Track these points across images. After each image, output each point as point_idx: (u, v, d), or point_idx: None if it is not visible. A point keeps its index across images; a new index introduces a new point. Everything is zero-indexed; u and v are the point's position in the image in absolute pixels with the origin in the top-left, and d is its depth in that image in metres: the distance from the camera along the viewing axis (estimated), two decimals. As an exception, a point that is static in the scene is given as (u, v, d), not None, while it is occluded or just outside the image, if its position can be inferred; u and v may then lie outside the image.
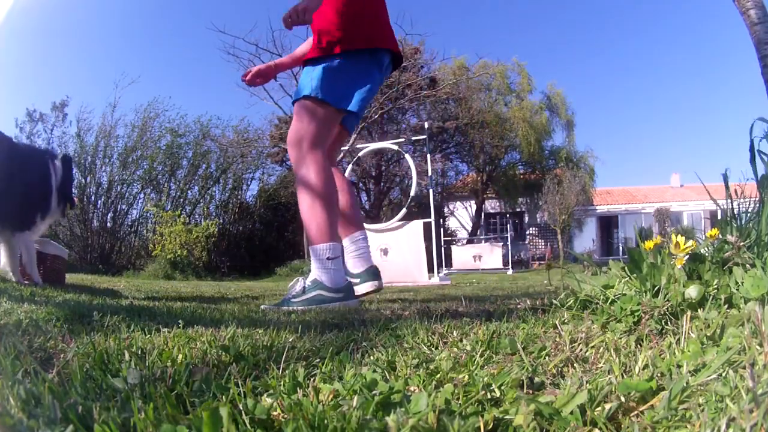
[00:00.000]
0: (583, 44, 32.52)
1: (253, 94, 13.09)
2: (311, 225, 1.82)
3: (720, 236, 1.20)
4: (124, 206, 12.24)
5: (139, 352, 0.78)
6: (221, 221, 13.16)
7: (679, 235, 1.00)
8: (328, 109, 1.85)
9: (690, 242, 1.00)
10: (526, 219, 21.49)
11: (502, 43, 31.78)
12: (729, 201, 1.32)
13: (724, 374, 0.59)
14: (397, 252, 5.42)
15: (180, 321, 1.10)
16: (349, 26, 1.85)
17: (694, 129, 35.33)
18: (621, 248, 19.46)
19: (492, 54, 26.04)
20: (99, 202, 11.87)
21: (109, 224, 11.77)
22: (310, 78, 1.85)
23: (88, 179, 11.83)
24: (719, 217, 1.36)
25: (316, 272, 1.82)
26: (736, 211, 1.32)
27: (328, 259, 1.80)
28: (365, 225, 6.19)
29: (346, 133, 2.13)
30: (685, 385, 0.52)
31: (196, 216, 13.21)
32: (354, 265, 2.07)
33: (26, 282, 2.24)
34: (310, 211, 1.82)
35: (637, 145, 38.61)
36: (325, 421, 0.45)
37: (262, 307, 1.83)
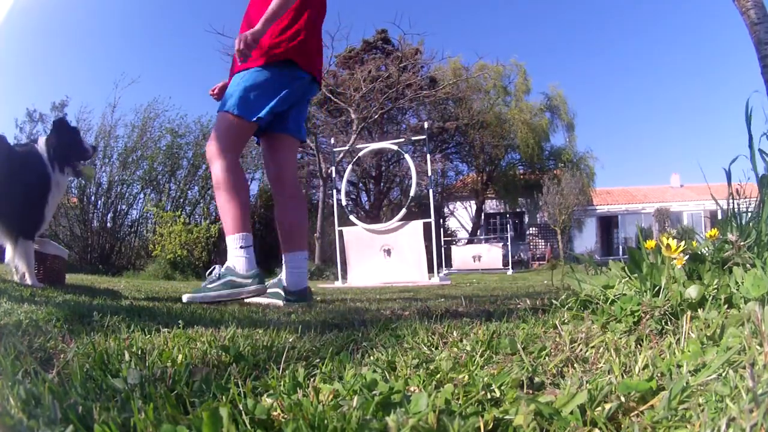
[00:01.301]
0: (583, 44, 32.50)
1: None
2: (226, 218, 2.00)
3: (720, 236, 1.20)
4: (124, 206, 12.21)
5: (139, 353, 0.78)
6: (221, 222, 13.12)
7: (671, 237, 1.00)
8: (242, 122, 2.03)
9: (682, 243, 0.99)
10: (526, 219, 21.48)
11: (501, 44, 31.79)
12: (730, 200, 1.32)
13: (724, 374, 0.59)
14: (397, 252, 5.41)
15: (180, 321, 1.10)
16: (272, 41, 2.02)
17: (694, 129, 35.30)
18: (621, 248, 19.45)
19: (491, 54, 26.12)
20: (99, 202, 11.86)
21: (109, 224, 11.75)
22: (231, 93, 2.04)
23: (88, 179, 11.81)
24: (719, 217, 1.36)
25: (231, 260, 1.98)
26: (736, 211, 1.31)
27: (240, 247, 1.97)
28: (365, 225, 6.17)
29: (291, 139, 2.24)
30: (685, 385, 0.52)
31: (196, 216, 13.21)
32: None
33: (27, 283, 2.24)
34: (225, 205, 2.00)
35: (637, 145, 38.58)
36: (325, 421, 0.45)
37: (184, 297, 1.93)
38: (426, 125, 6.68)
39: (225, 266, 1.97)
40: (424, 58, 14.97)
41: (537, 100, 18.94)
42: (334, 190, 8.62)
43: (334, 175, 10.53)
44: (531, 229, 21.38)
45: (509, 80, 18.76)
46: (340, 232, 5.83)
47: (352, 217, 6.37)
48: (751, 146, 1.32)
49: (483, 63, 16.28)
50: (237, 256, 1.96)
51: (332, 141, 8.13)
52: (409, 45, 14.41)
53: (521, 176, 19.78)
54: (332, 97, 14.07)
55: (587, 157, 19.25)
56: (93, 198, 11.91)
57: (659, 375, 0.62)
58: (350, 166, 9.04)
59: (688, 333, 0.79)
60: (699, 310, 0.93)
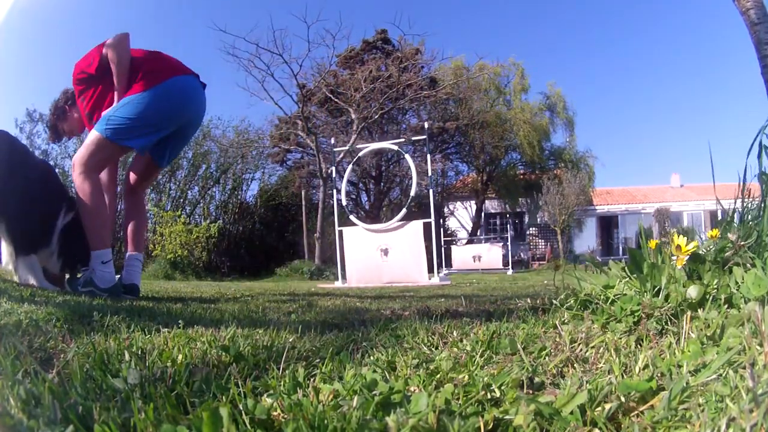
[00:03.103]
0: (583, 44, 32.44)
1: (253, 94, 13.09)
2: (89, 233, 2.20)
3: (721, 236, 1.20)
4: (124, 206, 12.23)
5: (139, 353, 0.78)
6: (221, 222, 13.14)
7: (681, 237, 1.00)
8: (110, 144, 2.19)
9: (692, 244, 0.99)
10: (526, 219, 21.47)
11: (501, 44, 31.71)
12: (738, 199, 1.31)
13: (724, 374, 0.59)
14: (397, 252, 5.41)
15: (180, 321, 1.10)
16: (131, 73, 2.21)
17: (694, 129, 35.23)
18: (621, 248, 19.44)
19: (491, 54, 26.12)
20: (99, 202, 11.85)
21: (108, 224, 11.74)
22: (105, 115, 2.19)
23: (89, 179, 11.79)
24: (720, 217, 1.36)
25: (93, 272, 2.18)
26: (738, 210, 1.31)
27: (102, 262, 2.19)
28: (365, 225, 6.16)
29: (154, 166, 2.49)
30: (685, 385, 0.52)
31: (196, 216, 13.21)
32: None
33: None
34: (85, 221, 2.18)
35: (637, 145, 38.50)
36: (325, 422, 0.45)
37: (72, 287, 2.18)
38: (426, 125, 6.68)
39: (90, 276, 2.17)
40: (425, 58, 14.98)
41: (537, 100, 18.98)
42: (334, 190, 8.61)
43: (334, 175, 10.53)
44: (531, 229, 21.37)
45: (507, 80, 18.80)
46: (340, 232, 5.83)
47: (352, 217, 6.36)
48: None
49: (483, 63, 16.30)
50: (98, 270, 2.17)
51: (332, 141, 8.13)
52: (410, 45, 14.41)
53: (521, 176, 19.78)
54: (332, 97, 14.07)
55: (587, 156, 19.28)
56: (93, 198, 11.89)
57: (659, 375, 0.62)
58: (350, 166, 9.03)
59: (688, 333, 0.79)
60: (699, 310, 0.93)
